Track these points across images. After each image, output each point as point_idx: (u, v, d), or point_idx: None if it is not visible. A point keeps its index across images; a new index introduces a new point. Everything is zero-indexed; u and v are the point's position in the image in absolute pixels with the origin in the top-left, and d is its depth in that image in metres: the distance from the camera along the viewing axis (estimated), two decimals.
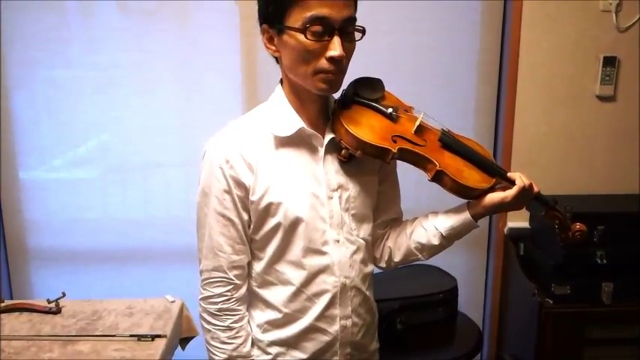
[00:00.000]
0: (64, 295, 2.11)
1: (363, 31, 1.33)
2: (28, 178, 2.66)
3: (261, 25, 1.36)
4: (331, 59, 1.28)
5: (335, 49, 1.27)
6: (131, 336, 1.90)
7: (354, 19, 1.32)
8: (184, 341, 2.14)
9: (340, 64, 1.30)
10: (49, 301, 2.09)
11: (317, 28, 1.26)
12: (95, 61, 2.56)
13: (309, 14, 1.25)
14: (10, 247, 2.69)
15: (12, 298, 2.62)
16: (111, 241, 2.69)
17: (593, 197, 2.51)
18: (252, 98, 2.55)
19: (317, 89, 1.33)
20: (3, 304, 2.11)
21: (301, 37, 1.27)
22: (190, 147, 2.54)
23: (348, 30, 1.30)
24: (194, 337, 2.14)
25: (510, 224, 2.61)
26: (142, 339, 1.89)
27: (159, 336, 1.91)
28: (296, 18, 1.27)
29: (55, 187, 2.66)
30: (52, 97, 2.59)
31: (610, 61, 2.46)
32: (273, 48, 1.35)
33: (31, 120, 2.61)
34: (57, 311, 2.07)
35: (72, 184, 2.67)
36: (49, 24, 2.51)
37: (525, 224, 2.56)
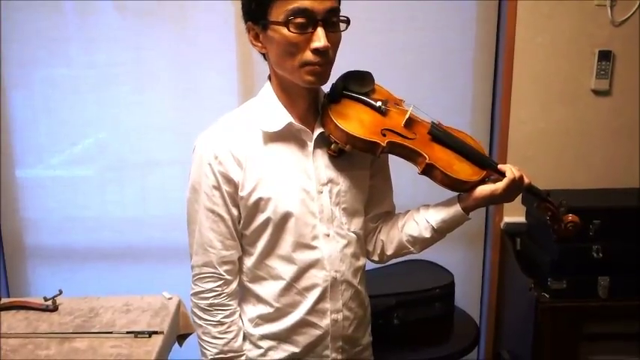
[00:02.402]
0: (60, 292, 2.12)
1: (347, 22, 1.33)
2: (25, 177, 2.67)
3: (246, 23, 1.37)
4: (316, 51, 1.28)
5: (319, 40, 1.27)
6: (128, 333, 1.91)
7: (338, 10, 1.31)
8: (181, 338, 2.14)
9: (326, 56, 1.30)
10: (45, 299, 2.09)
11: (299, 20, 1.26)
12: (93, 60, 2.56)
13: (290, 7, 1.26)
14: (8, 245, 2.70)
15: (9, 296, 2.63)
16: (108, 238, 2.69)
17: (589, 192, 2.49)
18: (247, 96, 2.50)
19: (304, 82, 1.33)
20: (0, 303, 2.12)
21: (285, 30, 1.27)
22: (187, 145, 2.47)
23: (332, 21, 1.30)
24: (191, 333, 2.14)
25: (507, 219, 2.60)
26: (139, 336, 1.89)
27: (156, 333, 1.91)
28: (278, 12, 1.27)
29: (53, 185, 2.67)
30: (49, 95, 2.60)
31: (605, 56, 2.46)
32: (260, 45, 1.36)
33: (29, 118, 2.62)
34: (54, 309, 2.07)
35: (69, 183, 2.68)
36: (47, 23, 2.51)
37: (522, 219, 2.54)
